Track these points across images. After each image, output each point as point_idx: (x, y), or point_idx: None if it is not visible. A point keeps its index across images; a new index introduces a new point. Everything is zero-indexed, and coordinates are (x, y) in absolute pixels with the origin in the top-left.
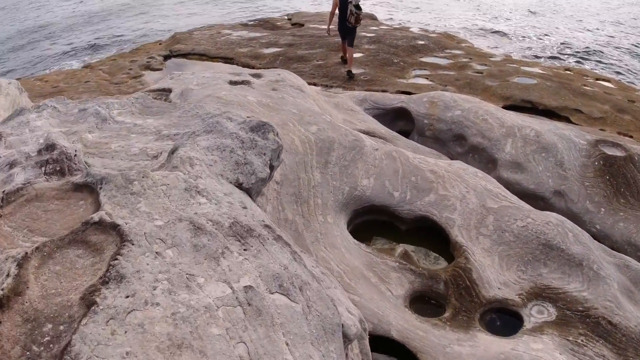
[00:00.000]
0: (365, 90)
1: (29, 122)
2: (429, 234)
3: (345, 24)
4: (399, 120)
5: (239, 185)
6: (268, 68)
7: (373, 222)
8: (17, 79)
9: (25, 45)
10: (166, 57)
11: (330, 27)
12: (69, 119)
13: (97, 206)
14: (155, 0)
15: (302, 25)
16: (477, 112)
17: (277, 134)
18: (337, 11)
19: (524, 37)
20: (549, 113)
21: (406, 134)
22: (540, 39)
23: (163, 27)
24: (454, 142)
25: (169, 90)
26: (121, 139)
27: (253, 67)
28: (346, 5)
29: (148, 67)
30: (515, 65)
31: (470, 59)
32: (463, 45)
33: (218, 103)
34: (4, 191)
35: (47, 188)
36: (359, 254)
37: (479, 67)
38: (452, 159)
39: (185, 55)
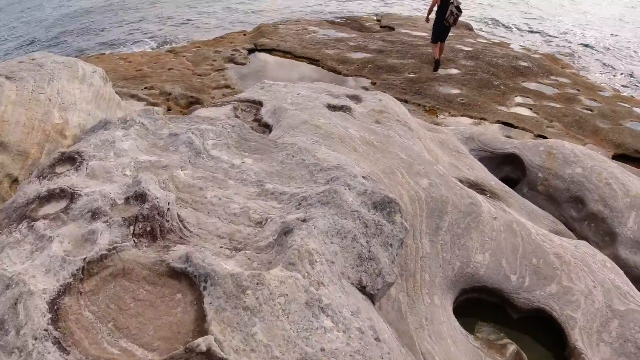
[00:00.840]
0: (461, 116)
1: (115, 142)
2: (541, 326)
3: (443, 22)
4: (506, 165)
5: (362, 289)
6: (356, 75)
7: (478, 302)
8: (101, 54)
9: (108, 20)
10: (250, 51)
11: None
12: (158, 142)
13: (200, 311)
14: None
15: (393, 29)
16: (600, 173)
17: (402, 214)
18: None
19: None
20: None
21: (513, 182)
22: None
23: (247, 14)
24: (569, 204)
25: (260, 104)
26: (217, 185)
27: (339, 73)
28: (447, 5)
29: (232, 60)
30: (627, 106)
31: (578, 90)
32: (568, 71)
33: (317, 134)
34: (85, 259)
35: (136, 262)
36: (466, 349)
37: (589, 103)
38: (564, 223)
39: (270, 51)
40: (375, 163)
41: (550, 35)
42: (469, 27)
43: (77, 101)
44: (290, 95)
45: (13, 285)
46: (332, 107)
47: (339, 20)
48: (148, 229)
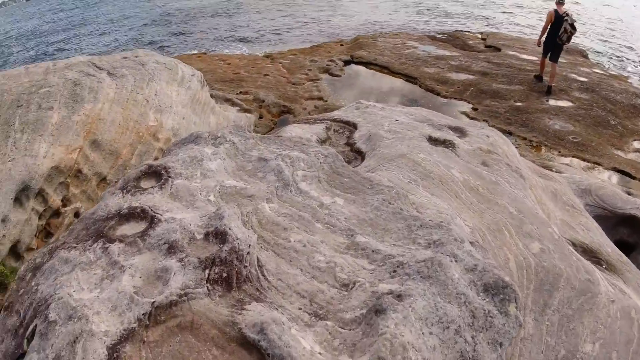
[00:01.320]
0: (573, 157)
1: (203, 160)
2: None
3: (556, 39)
4: (623, 227)
5: None
6: (456, 98)
7: None
8: (203, 53)
9: (208, 21)
10: (346, 63)
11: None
12: (247, 166)
13: None
14: None
15: (499, 50)
16: None
17: (518, 304)
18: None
19: None
20: None
21: (627, 247)
22: None
23: (347, 22)
24: None
25: (354, 126)
26: (303, 227)
27: (438, 94)
28: (561, 22)
29: (327, 71)
30: None
31: None
32: None
33: (414, 172)
34: (153, 302)
35: (207, 317)
36: None
37: None
38: None
39: (366, 64)
40: (480, 216)
41: None
42: (583, 55)
43: (174, 104)
44: (387, 121)
45: (75, 320)
46: (433, 141)
47: (440, 36)
48: (224, 275)
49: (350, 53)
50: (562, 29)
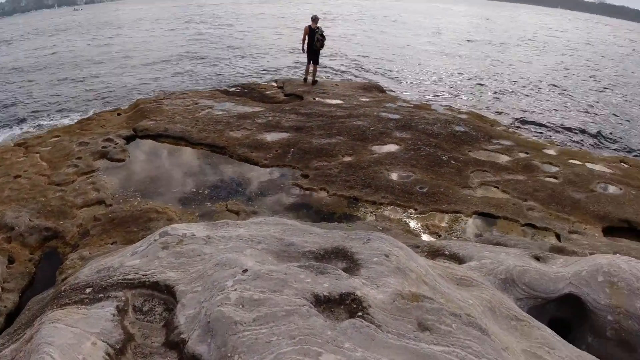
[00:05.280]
0: (431, 211)
1: None
2: None
3: (313, 47)
4: (552, 304)
5: None
6: (278, 165)
7: None
8: None
9: None
10: (129, 139)
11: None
12: None
13: None
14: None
15: (301, 97)
16: None
17: None
18: None
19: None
20: None
21: (560, 323)
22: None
23: (118, 81)
24: None
25: (170, 293)
26: None
27: (256, 164)
28: (314, 34)
29: (104, 156)
30: (578, 162)
31: (527, 153)
32: (498, 129)
33: None
34: None
35: None
36: None
37: (547, 169)
38: None
39: (155, 137)
40: None
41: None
42: (380, 89)
43: None
44: (228, 273)
45: None
46: (326, 303)
47: (234, 89)
48: None
49: (132, 125)
50: (315, 39)
